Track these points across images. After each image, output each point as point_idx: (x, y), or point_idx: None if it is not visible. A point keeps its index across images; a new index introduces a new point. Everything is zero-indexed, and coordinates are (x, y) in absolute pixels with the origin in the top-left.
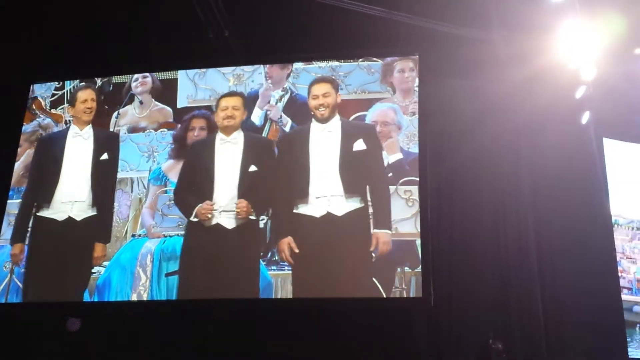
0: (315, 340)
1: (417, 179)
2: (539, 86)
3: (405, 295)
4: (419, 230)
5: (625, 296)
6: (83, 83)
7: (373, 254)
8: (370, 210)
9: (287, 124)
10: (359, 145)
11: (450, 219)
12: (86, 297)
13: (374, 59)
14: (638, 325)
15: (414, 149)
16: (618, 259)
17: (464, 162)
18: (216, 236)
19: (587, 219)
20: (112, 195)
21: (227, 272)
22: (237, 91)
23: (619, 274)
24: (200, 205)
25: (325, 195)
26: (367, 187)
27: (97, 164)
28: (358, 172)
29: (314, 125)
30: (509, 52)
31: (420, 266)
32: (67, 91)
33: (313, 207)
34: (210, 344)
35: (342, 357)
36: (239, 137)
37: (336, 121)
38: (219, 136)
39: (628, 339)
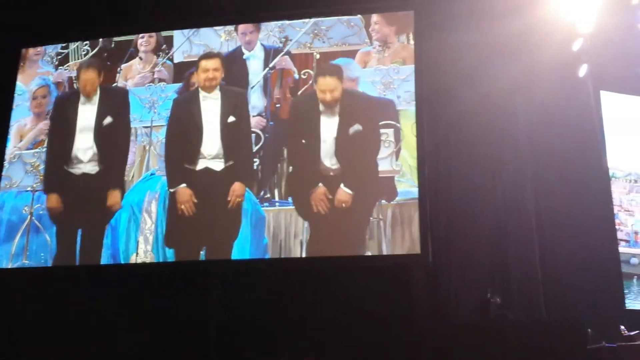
0: (310, 298)
1: (394, 123)
2: (535, 39)
3: (382, 225)
4: (395, 168)
5: (622, 248)
6: (87, 59)
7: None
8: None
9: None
10: (355, 128)
11: (447, 174)
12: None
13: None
14: (635, 277)
15: (390, 95)
16: (615, 211)
17: (460, 117)
18: (205, 179)
19: (585, 172)
20: (127, 147)
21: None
22: (215, 52)
23: (617, 227)
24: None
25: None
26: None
27: (101, 128)
28: (354, 155)
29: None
30: (504, 4)
31: (418, 224)
32: (72, 50)
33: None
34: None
35: (338, 315)
36: (218, 93)
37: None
38: (202, 93)
39: (625, 291)
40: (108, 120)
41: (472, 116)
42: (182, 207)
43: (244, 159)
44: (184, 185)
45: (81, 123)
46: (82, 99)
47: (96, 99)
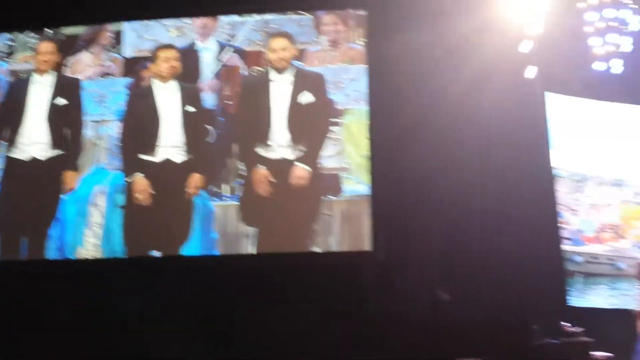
0: (262, 295)
1: (342, 121)
2: (487, 40)
3: (330, 222)
4: (343, 165)
5: (566, 247)
6: (44, 35)
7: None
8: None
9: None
10: (307, 98)
11: (400, 174)
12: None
13: (303, 12)
14: (578, 274)
15: (337, 97)
16: (560, 210)
17: (412, 117)
18: (165, 170)
19: (531, 172)
20: (79, 133)
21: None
22: (171, 44)
23: (561, 225)
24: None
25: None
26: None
27: (55, 108)
28: (306, 130)
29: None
30: (456, 6)
31: (370, 222)
32: (19, 43)
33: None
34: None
35: (289, 310)
36: (173, 84)
37: (290, 72)
38: (156, 84)
39: (568, 288)
40: (62, 101)
41: (424, 116)
42: (139, 195)
43: (203, 152)
44: (140, 175)
45: (32, 101)
46: (34, 77)
47: (50, 79)
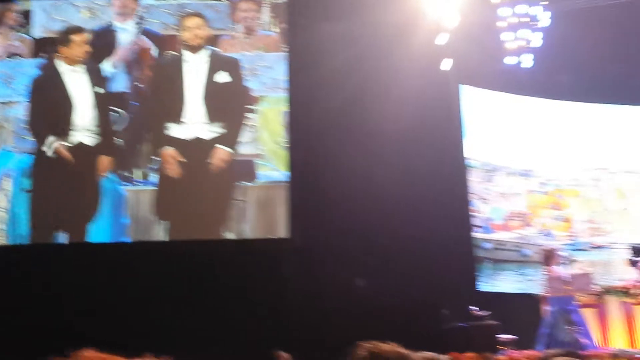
0: (175, 283)
1: (259, 108)
2: (404, 32)
3: (244, 208)
4: (257, 152)
5: (476, 234)
6: None
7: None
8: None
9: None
10: (223, 77)
11: (317, 161)
12: None
13: None
14: (487, 261)
15: (252, 83)
16: (471, 199)
17: (331, 106)
18: (78, 153)
19: (444, 161)
20: None
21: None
22: (84, 27)
23: (472, 214)
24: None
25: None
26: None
27: None
28: (221, 101)
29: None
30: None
31: (287, 209)
32: None
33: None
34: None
35: (208, 298)
36: (82, 67)
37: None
38: (63, 67)
39: (477, 274)
40: None
41: (342, 105)
42: (66, 159)
43: (115, 136)
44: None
45: None
46: None
47: None
